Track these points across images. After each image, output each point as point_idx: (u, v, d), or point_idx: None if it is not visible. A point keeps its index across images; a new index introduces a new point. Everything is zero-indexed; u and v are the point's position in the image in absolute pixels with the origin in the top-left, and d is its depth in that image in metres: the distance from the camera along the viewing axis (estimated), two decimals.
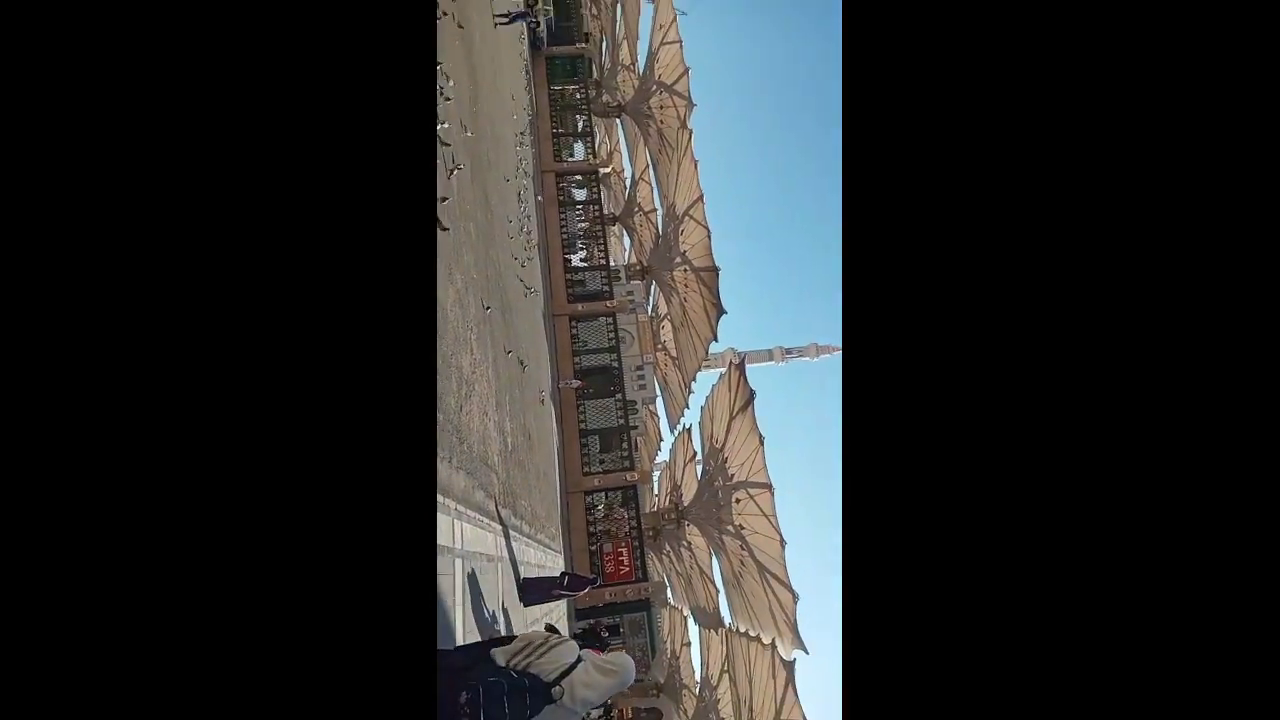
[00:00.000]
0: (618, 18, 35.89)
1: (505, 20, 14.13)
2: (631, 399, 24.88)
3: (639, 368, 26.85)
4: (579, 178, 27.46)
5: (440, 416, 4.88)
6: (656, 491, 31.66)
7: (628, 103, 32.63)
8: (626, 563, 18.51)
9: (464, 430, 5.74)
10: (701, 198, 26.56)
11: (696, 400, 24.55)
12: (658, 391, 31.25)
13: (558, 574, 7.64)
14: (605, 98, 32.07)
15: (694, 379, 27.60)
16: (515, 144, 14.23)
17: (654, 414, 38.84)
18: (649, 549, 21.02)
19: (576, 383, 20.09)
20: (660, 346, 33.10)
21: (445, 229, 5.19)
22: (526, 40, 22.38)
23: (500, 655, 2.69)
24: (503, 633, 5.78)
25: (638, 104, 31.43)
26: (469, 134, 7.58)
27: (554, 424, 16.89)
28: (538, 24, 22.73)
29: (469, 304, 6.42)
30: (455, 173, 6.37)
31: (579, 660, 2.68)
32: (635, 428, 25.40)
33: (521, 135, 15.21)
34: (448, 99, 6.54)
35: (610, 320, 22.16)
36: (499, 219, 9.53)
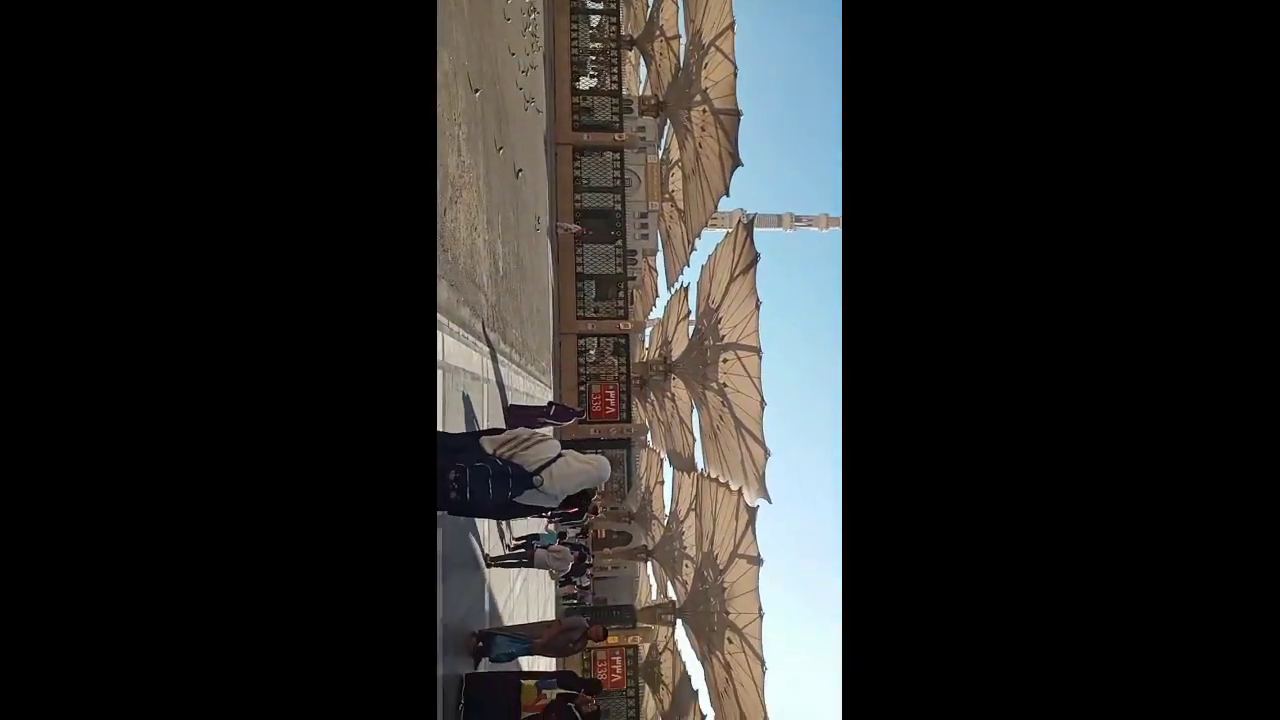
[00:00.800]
0: None
1: None
2: (632, 248, 23.95)
3: (643, 215, 25.49)
4: None
5: None
6: (647, 345, 32.04)
7: None
8: (613, 404, 19.10)
9: (448, 239, 5.20)
10: (733, 26, 23.37)
11: (698, 259, 23.76)
12: (659, 245, 30.20)
13: (545, 403, 7.62)
14: None
15: (699, 235, 26.50)
16: None
17: (653, 269, 38.03)
18: (635, 395, 21.64)
19: (576, 228, 19.04)
20: (667, 196, 31.33)
21: None
22: None
23: (488, 444, 2.90)
24: None
25: None
26: None
27: (549, 261, 16.24)
28: None
29: (457, 92, 5.51)
30: None
31: (559, 455, 2.89)
32: (633, 279, 24.80)
33: None
34: None
35: (617, 157, 20.43)
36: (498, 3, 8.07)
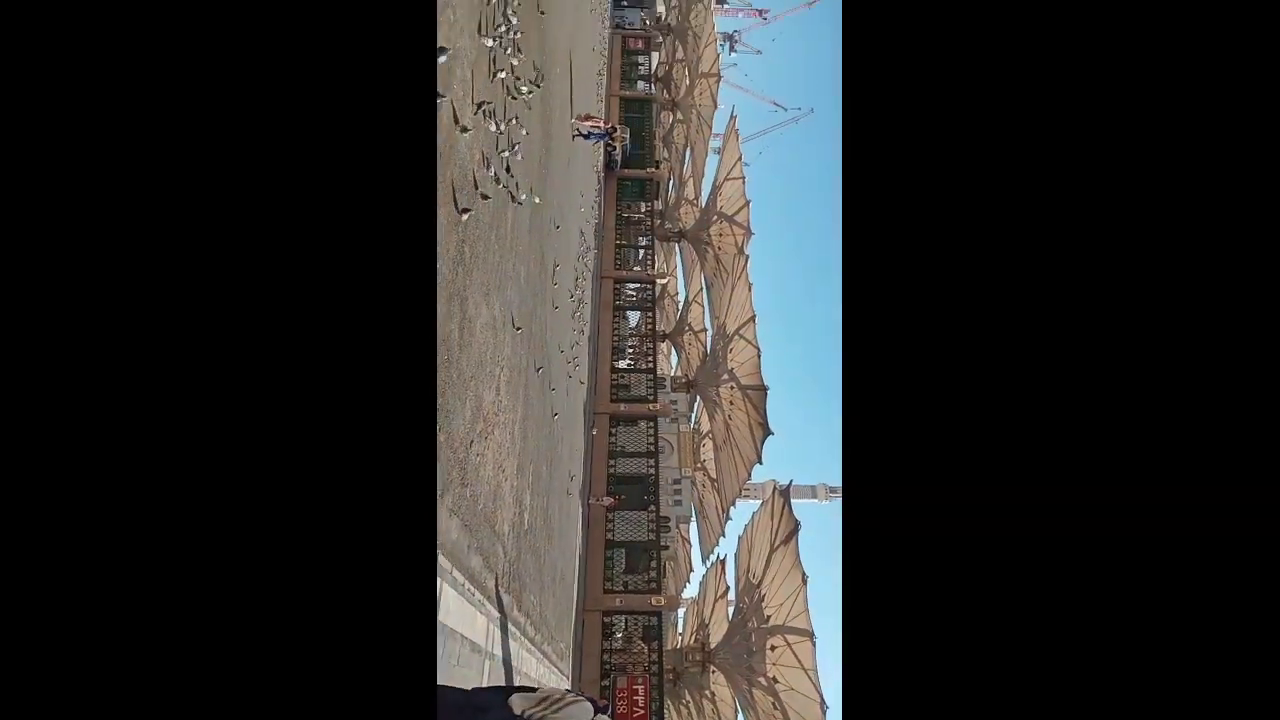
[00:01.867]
0: (686, 160, 39.23)
1: (584, 136, 15.22)
2: (665, 515, 23.01)
3: (676, 481, 25.19)
4: (636, 287, 28.19)
5: (441, 436, 4.05)
6: (680, 630, 28.31)
7: (688, 230, 34.44)
8: (641, 705, 15.78)
9: (469, 472, 4.84)
10: (754, 318, 26.55)
11: (734, 529, 22.49)
12: (693, 514, 29.17)
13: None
14: (667, 225, 33.94)
15: (733, 504, 25.71)
16: (579, 236, 14.52)
17: (687, 541, 36.08)
18: (667, 694, 18.11)
19: (609, 500, 18.69)
20: (700, 466, 31.52)
21: (465, 211, 4.71)
22: (602, 159, 24.21)
23: (518, 703, 2.74)
24: None
25: (698, 231, 33.07)
26: (536, 199, 7.49)
27: (579, 526, 15.42)
28: (615, 147, 24.69)
29: (504, 339, 5.82)
30: (517, 202, 6.11)
31: None
32: (666, 548, 23.21)
33: (584, 234, 15.55)
34: (523, 94, 6.40)
35: (651, 425, 21.17)
36: (548, 293, 9.20)
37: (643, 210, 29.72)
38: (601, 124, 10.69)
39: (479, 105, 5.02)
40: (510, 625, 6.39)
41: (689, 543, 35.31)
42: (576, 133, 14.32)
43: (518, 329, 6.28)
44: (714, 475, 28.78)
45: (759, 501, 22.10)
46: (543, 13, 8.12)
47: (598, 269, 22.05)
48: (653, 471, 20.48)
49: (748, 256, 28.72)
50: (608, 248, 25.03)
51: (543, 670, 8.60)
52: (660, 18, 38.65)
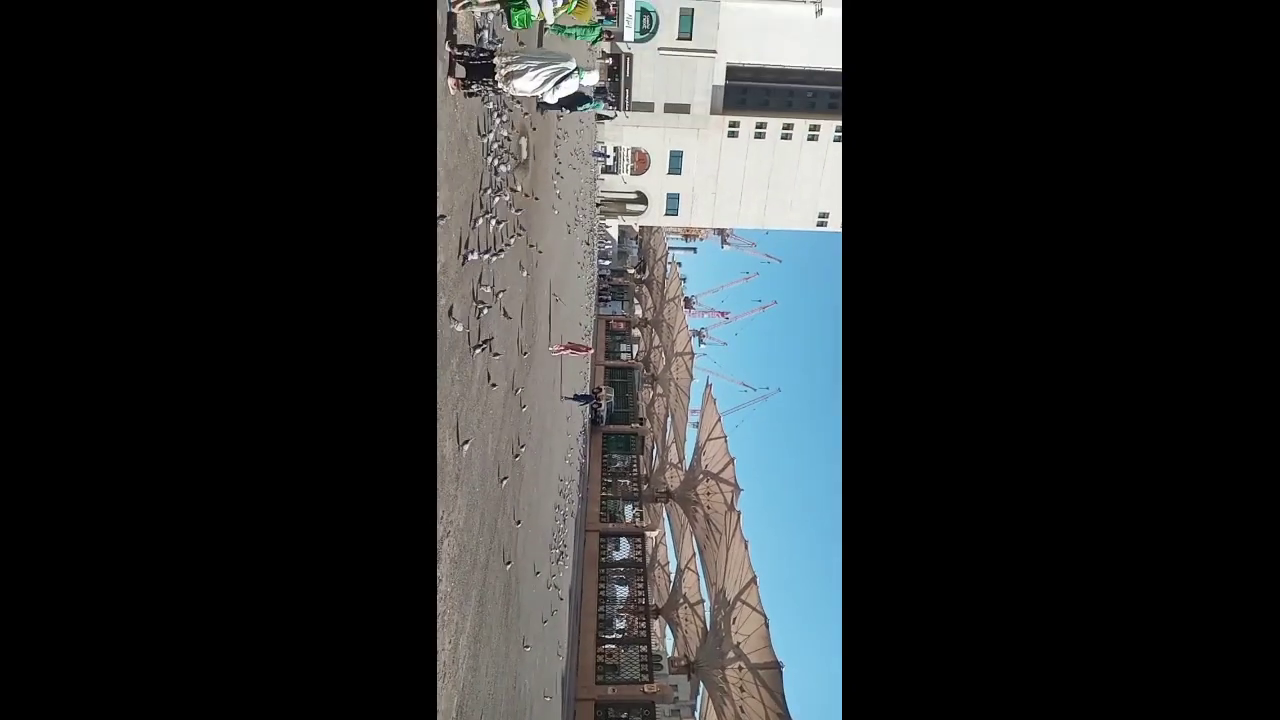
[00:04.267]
0: (668, 427, 41.12)
1: (572, 399, 15.96)
2: None
3: None
4: (623, 558, 26.03)
5: None
6: None
7: (675, 490, 33.93)
8: None
9: None
10: (755, 580, 24.26)
11: None
12: None
13: None
14: (653, 487, 33.55)
15: None
16: (554, 510, 13.74)
17: None
18: None
19: None
20: None
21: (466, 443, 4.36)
22: (588, 417, 25.03)
23: None
24: None
25: (684, 491, 32.56)
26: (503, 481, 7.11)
27: None
28: (599, 404, 25.85)
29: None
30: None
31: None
32: None
33: (559, 506, 14.58)
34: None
35: (650, 717, 17.09)
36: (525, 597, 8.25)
37: (629, 458, 29.61)
38: (583, 349, 11.07)
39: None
40: None
41: None
42: (565, 396, 15.02)
43: (508, 564, 5.25)
44: None
45: None
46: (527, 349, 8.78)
47: (581, 526, 20.70)
48: None
49: (739, 513, 27.68)
50: (592, 500, 24.01)
51: None
52: (638, 273, 44.86)
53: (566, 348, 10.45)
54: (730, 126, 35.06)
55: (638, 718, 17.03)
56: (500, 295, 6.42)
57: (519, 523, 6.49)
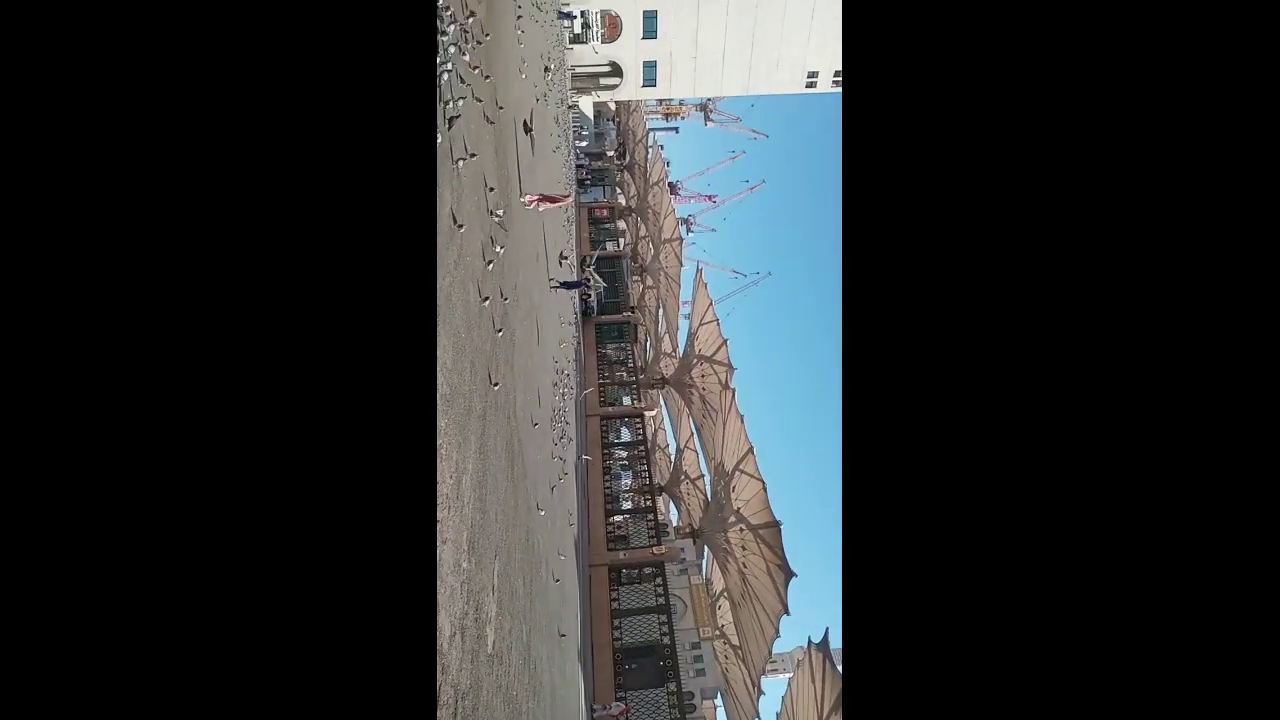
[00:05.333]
0: (660, 319, 40.90)
1: (561, 286, 15.37)
2: (688, 689, 18.97)
3: (695, 645, 21.29)
4: (625, 446, 26.82)
5: None
6: None
7: (670, 376, 34.43)
8: None
9: None
10: (752, 450, 25.12)
11: (770, 705, 18.45)
12: (719, 693, 24.40)
13: None
14: (649, 375, 33.94)
15: (763, 673, 21.61)
16: (551, 389, 13.64)
17: None
18: None
19: (619, 707, 15.00)
20: (719, 631, 27.30)
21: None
22: (579, 307, 24.66)
23: None
24: None
25: (680, 376, 33.03)
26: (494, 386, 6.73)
27: (580, 682, 12.25)
28: (590, 294, 25.38)
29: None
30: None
31: None
32: None
33: (557, 384, 14.58)
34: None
35: (659, 576, 18.36)
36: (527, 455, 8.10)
37: (622, 345, 29.69)
38: (558, 198, 10.10)
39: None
40: None
41: None
42: (554, 284, 14.43)
43: (494, 384, 5.05)
44: (736, 642, 24.76)
45: (788, 676, 18.49)
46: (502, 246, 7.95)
47: (581, 413, 21.06)
48: (666, 637, 17.25)
49: (734, 390, 28.20)
50: (591, 387, 24.28)
51: None
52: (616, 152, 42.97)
53: (540, 199, 9.76)
54: None
55: (649, 576, 18.33)
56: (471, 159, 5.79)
57: (496, 384, 6.28)
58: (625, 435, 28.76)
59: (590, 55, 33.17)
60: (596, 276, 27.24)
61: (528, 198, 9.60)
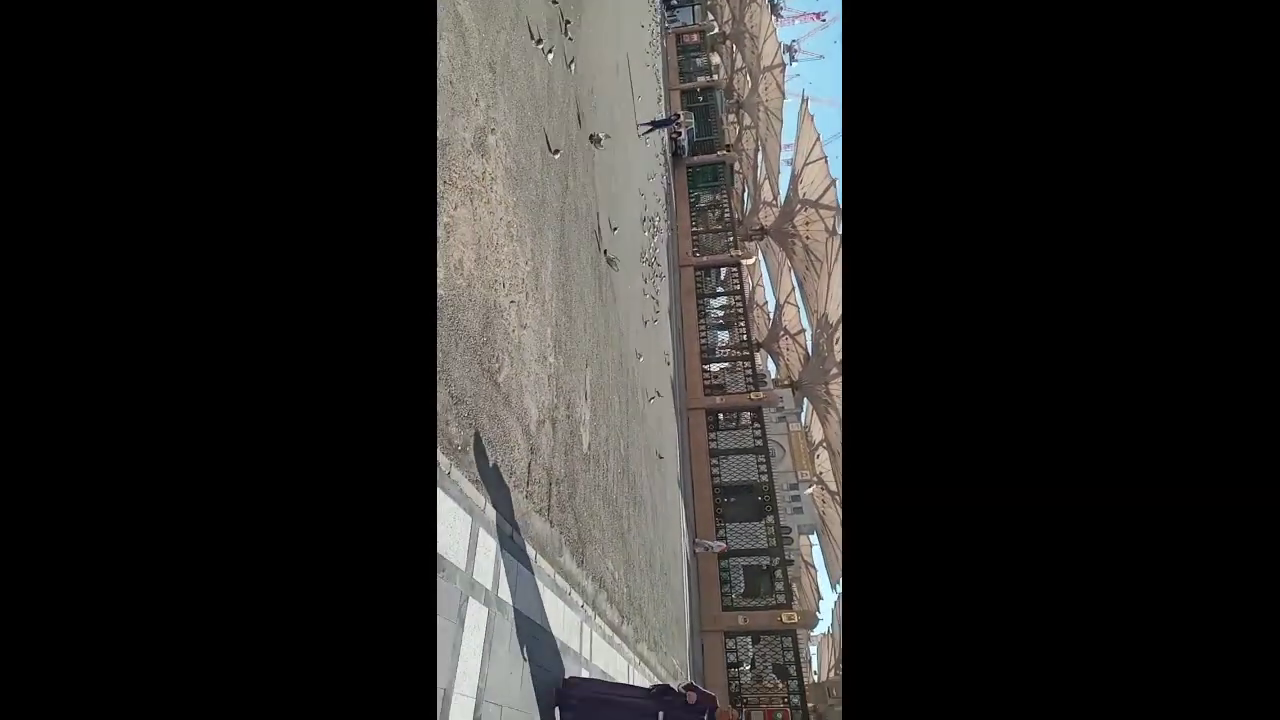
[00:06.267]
0: (759, 163, 37.31)
1: (649, 128, 13.75)
2: (785, 524, 19.85)
3: (793, 486, 21.95)
4: (723, 303, 25.86)
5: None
6: (815, 666, 24.28)
7: (770, 226, 32.11)
8: None
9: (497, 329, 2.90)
10: None
11: None
12: (816, 533, 25.51)
13: (656, 689, 3.90)
14: (743, 228, 31.78)
15: None
16: (640, 223, 12.68)
17: (811, 566, 31.94)
18: None
19: (719, 545, 15.42)
20: (816, 478, 27.92)
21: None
22: (669, 148, 22.81)
23: None
24: None
25: (781, 225, 30.69)
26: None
27: (681, 516, 13.00)
28: (680, 133, 23.27)
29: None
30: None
31: None
32: (791, 562, 19.91)
33: (645, 218, 13.51)
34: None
35: (757, 422, 18.42)
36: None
37: (717, 190, 27.65)
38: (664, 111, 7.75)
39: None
40: (586, 606, 4.26)
41: (813, 567, 31.16)
42: (644, 127, 12.89)
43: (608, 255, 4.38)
44: (834, 488, 25.21)
45: None
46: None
47: (674, 260, 20.23)
48: (765, 476, 17.66)
49: (842, 235, 25.82)
50: (683, 236, 23.19)
51: (633, 673, 6.28)
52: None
53: None
54: None
55: (747, 424, 18.44)
56: None
57: (557, 152, 5.57)
58: (720, 299, 27.49)
59: None
60: (689, 117, 24.66)
61: None
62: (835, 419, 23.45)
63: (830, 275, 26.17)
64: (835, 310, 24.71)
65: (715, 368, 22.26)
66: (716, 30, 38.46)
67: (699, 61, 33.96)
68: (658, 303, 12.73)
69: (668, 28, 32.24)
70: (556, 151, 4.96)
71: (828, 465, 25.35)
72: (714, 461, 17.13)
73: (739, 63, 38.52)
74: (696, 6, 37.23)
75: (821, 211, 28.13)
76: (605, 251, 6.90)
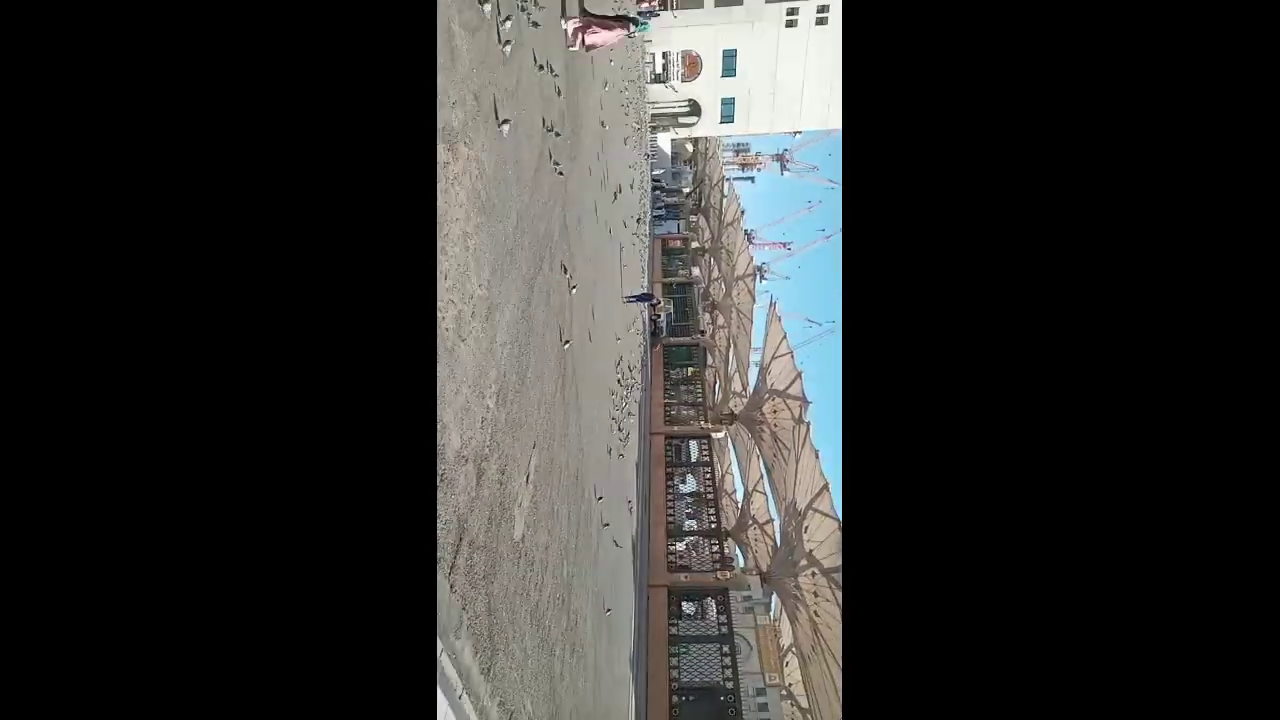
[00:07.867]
0: (730, 359, 39.84)
1: (630, 299, 15.06)
2: None
3: (760, 691, 19.00)
4: (691, 487, 25.41)
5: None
6: None
7: (740, 412, 32.95)
8: None
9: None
10: (827, 486, 23.18)
11: None
12: None
13: None
14: (714, 412, 32.66)
15: None
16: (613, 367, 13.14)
17: None
18: None
19: None
20: (785, 691, 24.44)
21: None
22: (647, 327, 24.23)
23: None
24: None
25: (750, 412, 31.54)
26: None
27: (630, 689, 10.85)
28: (659, 316, 24.96)
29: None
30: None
31: None
32: None
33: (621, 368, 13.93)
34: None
35: (722, 602, 16.65)
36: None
37: (691, 367, 28.62)
38: (612, 26, 7.54)
39: None
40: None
41: None
42: (626, 298, 14.11)
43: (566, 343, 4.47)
44: (805, 704, 22.01)
45: None
46: (573, 288, 7.38)
47: (646, 429, 20.16)
48: (730, 678, 15.35)
49: (808, 424, 26.44)
50: (655, 405, 23.38)
51: None
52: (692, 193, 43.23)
53: (587, 26, 7.04)
54: (788, 15, 32.15)
55: (713, 601, 16.63)
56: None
57: (566, 344, 5.68)
58: (691, 484, 27.15)
59: (669, 94, 34.26)
60: (668, 303, 26.87)
61: (569, 25, 7.06)
62: (805, 616, 21.38)
63: (798, 461, 26.12)
64: (804, 497, 24.14)
65: (681, 545, 20.78)
66: (698, 245, 43.91)
67: (680, 259, 37.97)
68: (624, 441, 12.30)
69: (655, 234, 36.75)
70: (567, 342, 5.02)
71: (797, 675, 22.43)
72: (673, 651, 15.02)
73: (715, 273, 43.26)
74: (681, 220, 42.87)
75: (789, 401, 29.14)
76: (568, 343, 6.75)
